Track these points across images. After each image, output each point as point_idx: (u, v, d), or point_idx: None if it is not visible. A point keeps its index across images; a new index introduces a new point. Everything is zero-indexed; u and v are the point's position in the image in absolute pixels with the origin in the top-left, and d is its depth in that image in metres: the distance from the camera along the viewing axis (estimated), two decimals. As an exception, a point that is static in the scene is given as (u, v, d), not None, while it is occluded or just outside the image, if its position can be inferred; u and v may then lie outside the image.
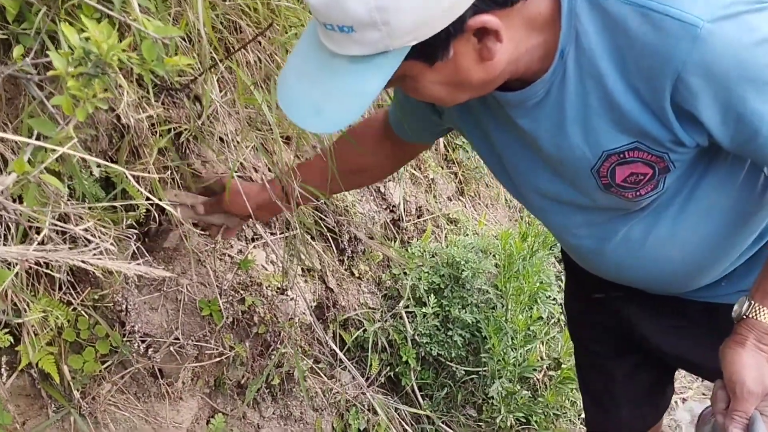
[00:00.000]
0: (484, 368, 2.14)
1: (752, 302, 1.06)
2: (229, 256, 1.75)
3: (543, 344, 2.30)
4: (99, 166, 0.85)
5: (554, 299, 2.37)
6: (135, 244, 1.18)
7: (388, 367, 2.11)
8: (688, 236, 1.16)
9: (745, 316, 1.06)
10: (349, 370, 2.05)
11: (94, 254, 0.80)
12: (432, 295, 2.12)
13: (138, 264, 0.88)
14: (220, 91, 1.53)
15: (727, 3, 0.90)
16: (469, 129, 1.24)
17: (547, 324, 2.36)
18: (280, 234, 1.86)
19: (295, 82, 0.98)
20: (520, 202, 1.35)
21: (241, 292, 1.71)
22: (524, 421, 2.18)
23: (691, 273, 1.23)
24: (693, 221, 1.14)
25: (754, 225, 1.18)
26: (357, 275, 2.15)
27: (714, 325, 1.23)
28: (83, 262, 0.82)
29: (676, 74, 0.91)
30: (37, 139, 0.81)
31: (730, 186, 1.12)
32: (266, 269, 1.82)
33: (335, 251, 2.07)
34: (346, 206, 2.04)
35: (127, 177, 1.11)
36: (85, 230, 0.83)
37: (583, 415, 2.44)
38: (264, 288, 1.78)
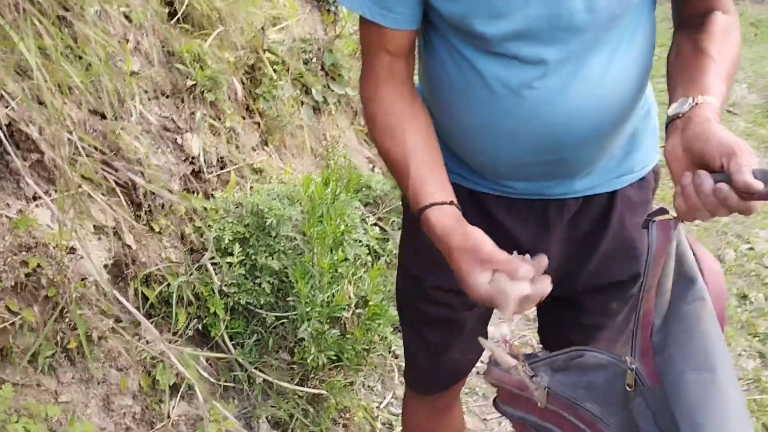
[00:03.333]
0: (294, 312, 2.19)
1: (692, 97, 1.00)
2: (7, 216, 1.63)
3: (351, 284, 2.38)
4: None
5: (360, 241, 2.45)
6: None
7: (196, 320, 2.09)
8: (627, 74, 1.13)
9: (695, 104, 0.99)
10: (154, 326, 2.01)
11: None
12: (237, 244, 2.12)
13: None
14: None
15: None
16: None
17: (354, 265, 2.45)
18: (65, 191, 1.75)
19: None
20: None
21: (24, 253, 1.60)
22: (336, 359, 2.26)
23: (618, 126, 1.18)
24: (633, 58, 1.12)
25: (645, 88, 1.19)
26: (158, 230, 2.08)
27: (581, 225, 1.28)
28: None
29: None
30: None
31: (651, 34, 1.15)
32: (51, 228, 1.71)
33: (131, 206, 1.99)
34: (139, 158, 1.97)
35: None
36: None
37: (395, 350, 2.58)
38: (51, 248, 1.68)
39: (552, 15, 1.03)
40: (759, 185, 0.85)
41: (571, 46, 1.07)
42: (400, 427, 1.99)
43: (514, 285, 0.97)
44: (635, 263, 1.31)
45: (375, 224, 2.68)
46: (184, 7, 2.16)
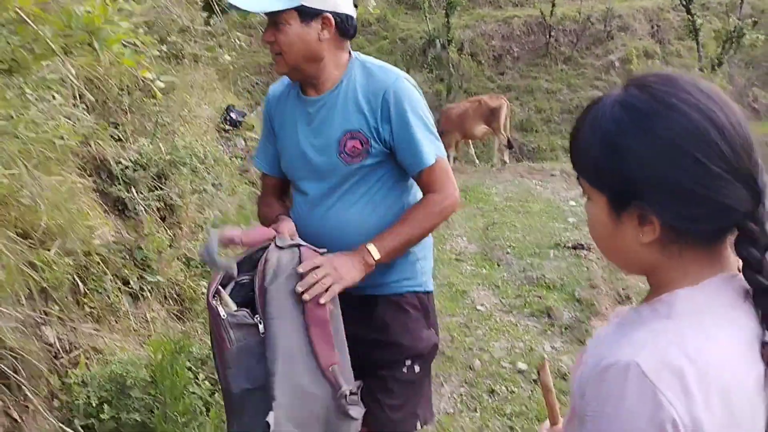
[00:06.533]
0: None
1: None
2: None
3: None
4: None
5: (195, 393, 3.01)
6: None
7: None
8: (366, 217, 2.08)
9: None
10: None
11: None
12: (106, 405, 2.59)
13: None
14: None
15: None
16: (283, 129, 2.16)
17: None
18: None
19: None
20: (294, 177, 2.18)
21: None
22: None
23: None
24: (370, 208, 2.08)
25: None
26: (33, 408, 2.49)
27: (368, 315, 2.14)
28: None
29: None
30: None
31: (397, 198, 2.17)
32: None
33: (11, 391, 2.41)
34: (12, 347, 2.42)
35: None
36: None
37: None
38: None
39: (310, 170, 2.10)
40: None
41: (322, 189, 2.09)
42: None
43: None
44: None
45: (206, 379, 3.25)
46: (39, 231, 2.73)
